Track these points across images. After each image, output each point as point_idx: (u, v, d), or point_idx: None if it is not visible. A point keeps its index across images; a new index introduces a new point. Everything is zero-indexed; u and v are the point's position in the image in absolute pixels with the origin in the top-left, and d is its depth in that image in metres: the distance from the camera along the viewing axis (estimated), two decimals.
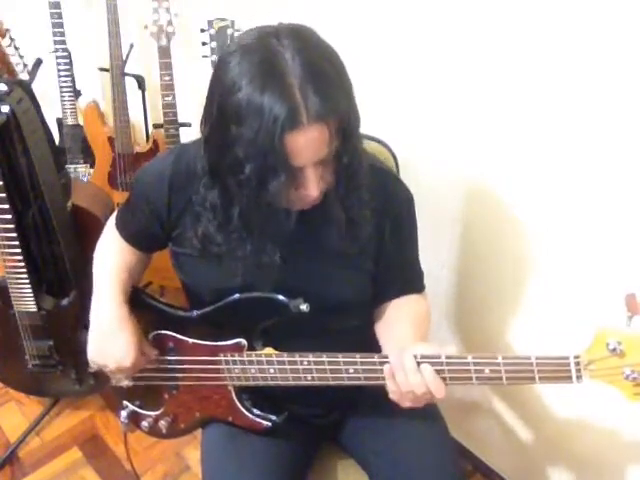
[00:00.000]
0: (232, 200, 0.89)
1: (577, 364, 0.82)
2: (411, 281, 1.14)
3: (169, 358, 1.09)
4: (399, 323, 1.07)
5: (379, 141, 1.25)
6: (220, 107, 0.81)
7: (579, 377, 0.82)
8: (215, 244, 0.97)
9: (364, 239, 0.99)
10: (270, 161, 0.78)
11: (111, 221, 1.18)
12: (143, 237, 1.12)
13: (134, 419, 1.19)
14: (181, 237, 1.04)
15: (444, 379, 0.88)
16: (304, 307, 0.96)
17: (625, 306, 0.79)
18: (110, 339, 1.04)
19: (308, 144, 0.79)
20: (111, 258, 1.12)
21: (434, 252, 1.53)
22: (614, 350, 0.78)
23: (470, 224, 1.45)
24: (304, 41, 0.80)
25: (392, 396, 0.93)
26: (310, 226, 0.98)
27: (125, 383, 1.10)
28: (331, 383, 0.97)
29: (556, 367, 0.83)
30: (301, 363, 0.97)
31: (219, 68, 0.82)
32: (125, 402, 1.19)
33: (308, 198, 0.88)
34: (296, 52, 0.77)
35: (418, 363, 0.87)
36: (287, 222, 0.93)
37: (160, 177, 1.02)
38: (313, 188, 0.85)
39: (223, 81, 0.80)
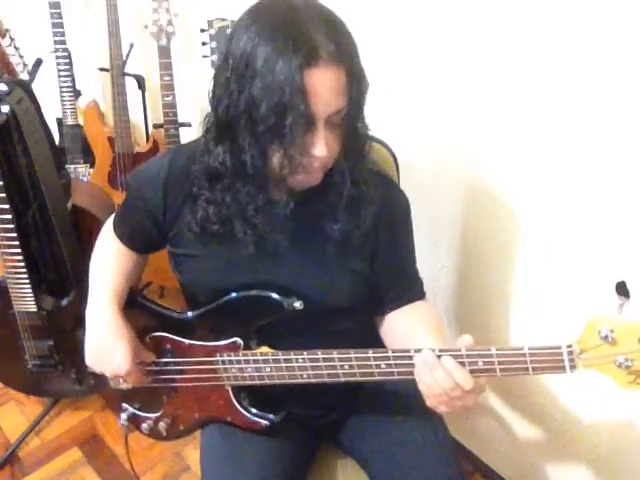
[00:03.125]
0: (244, 148, 0.87)
1: (570, 353, 0.81)
2: (410, 287, 1.12)
3: (166, 360, 1.09)
4: (419, 334, 1.04)
5: (379, 141, 1.24)
6: (242, 47, 0.82)
7: (572, 367, 0.81)
8: (225, 206, 0.95)
9: (368, 223, 0.98)
10: (287, 98, 0.78)
11: (107, 225, 1.17)
12: (140, 238, 1.11)
13: (134, 421, 1.19)
14: (178, 237, 1.04)
15: None
16: (298, 304, 0.96)
17: (616, 294, 0.79)
18: (106, 348, 1.04)
19: (325, 85, 0.80)
20: (107, 264, 1.11)
21: (433, 251, 1.53)
22: (606, 338, 0.77)
23: (469, 223, 1.45)
24: (319, 4, 0.86)
25: (428, 403, 0.91)
26: (308, 223, 0.98)
27: (124, 386, 1.10)
28: (327, 380, 0.97)
29: (549, 357, 0.82)
30: (296, 361, 0.97)
31: (241, 19, 0.85)
32: (124, 405, 1.19)
33: (315, 162, 0.87)
34: (313, 9, 0.83)
35: (438, 357, 0.87)
36: (284, 209, 0.94)
37: (156, 178, 1.02)
38: (321, 146, 0.84)
39: (246, 24, 0.83)
